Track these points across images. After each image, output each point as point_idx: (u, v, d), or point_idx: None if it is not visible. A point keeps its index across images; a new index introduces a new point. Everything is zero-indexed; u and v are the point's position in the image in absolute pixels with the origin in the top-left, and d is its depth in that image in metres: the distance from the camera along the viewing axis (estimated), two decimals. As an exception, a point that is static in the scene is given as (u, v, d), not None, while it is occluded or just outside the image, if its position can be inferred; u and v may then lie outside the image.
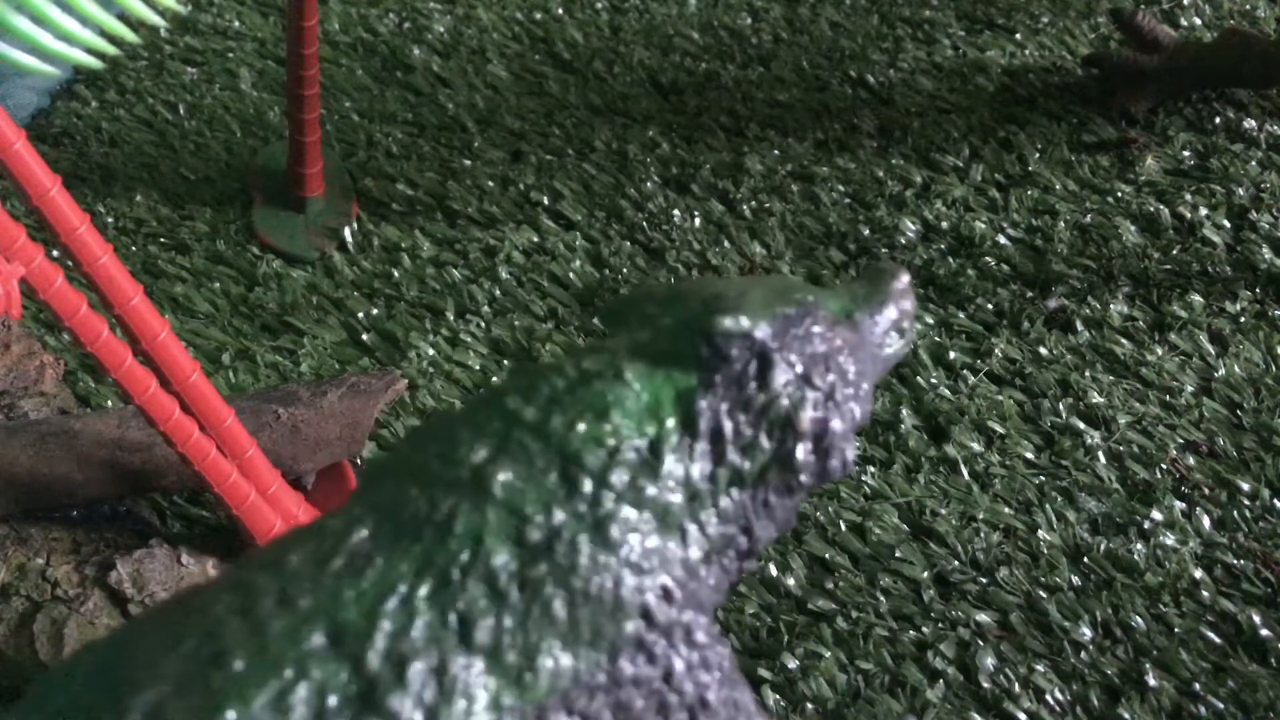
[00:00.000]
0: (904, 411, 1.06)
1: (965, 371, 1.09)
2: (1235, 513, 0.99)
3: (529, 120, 1.33)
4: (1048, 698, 0.89)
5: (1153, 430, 1.05)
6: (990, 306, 1.14)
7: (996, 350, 1.10)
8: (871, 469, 1.02)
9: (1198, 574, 0.95)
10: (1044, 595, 0.94)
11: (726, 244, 1.20)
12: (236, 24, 1.45)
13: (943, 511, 0.99)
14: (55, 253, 0.76)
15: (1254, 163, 1.26)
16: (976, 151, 1.28)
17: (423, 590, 0.43)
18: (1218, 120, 1.30)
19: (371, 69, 1.39)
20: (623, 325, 0.52)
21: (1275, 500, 1.00)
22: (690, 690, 0.47)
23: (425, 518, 0.45)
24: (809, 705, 0.88)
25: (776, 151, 1.29)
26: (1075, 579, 0.95)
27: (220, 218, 1.24)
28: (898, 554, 0.96)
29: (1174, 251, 1.18)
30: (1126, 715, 0.88)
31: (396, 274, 1.18)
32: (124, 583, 0.85)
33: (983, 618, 0.93)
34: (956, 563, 0.96)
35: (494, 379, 1.08)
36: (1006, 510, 0.99)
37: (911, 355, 1.10)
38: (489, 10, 1.46)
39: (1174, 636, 0.92)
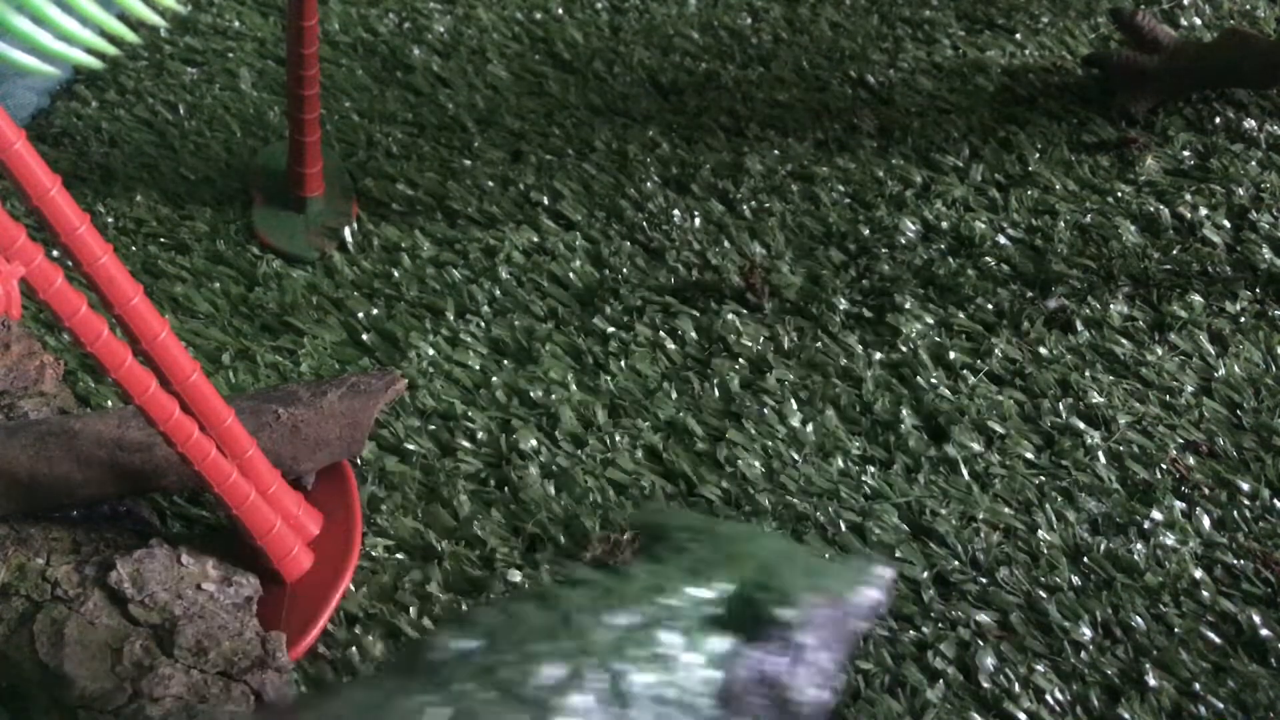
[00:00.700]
0: (904, 411, 1.06)
1: (965, 371, 1.09)
2: (1235, 513, 0.99)
3: (529, 120, 1.33)
4: (1048, 698, 0.89)
5: (1153, 430, 1.05)
6: (990, 306, 1.14)
7: (996, 350, 1.10)
8: (871, 469, 1.02)
9: (1198, 574, 0.95)
10: (1044, 595, 0.94)
11: (726, 244, 1.20)
12: (236, 24, 1.45)
13: (943, 511, 0.99)
14: (55, 253, 0.76)
15: (1254, 163, 1.26)
16: (976, 151, 1.28)
17: None
18: (1218, 120, 1.30)
19: (371, 69, 1.39)
20: (662, 546, 0.57)
21: (1275, 500, 1.00)
22: None
23: None
24: (809, 705, 0.88)
25: (776, 151, 1.29)
26: (1075, 579, 0.95)
27: (220, 218, 1.24)
28: (898, 554, 0.96)
29: (1174, 251, 1.18)
30: (1126, 715, 0.88)
31: (396, 274, 1.18)
32: (124, 583, 0.85)
33: (983, 618, 0.93)
34: (956, 563, 0.96)
35: (494, 379, 1.09)
36: (1006, 510, 0.99)
37: (912, 355, 1.10)
38: (489, 10, 1.46)
39: (1174, 636, 0.92)
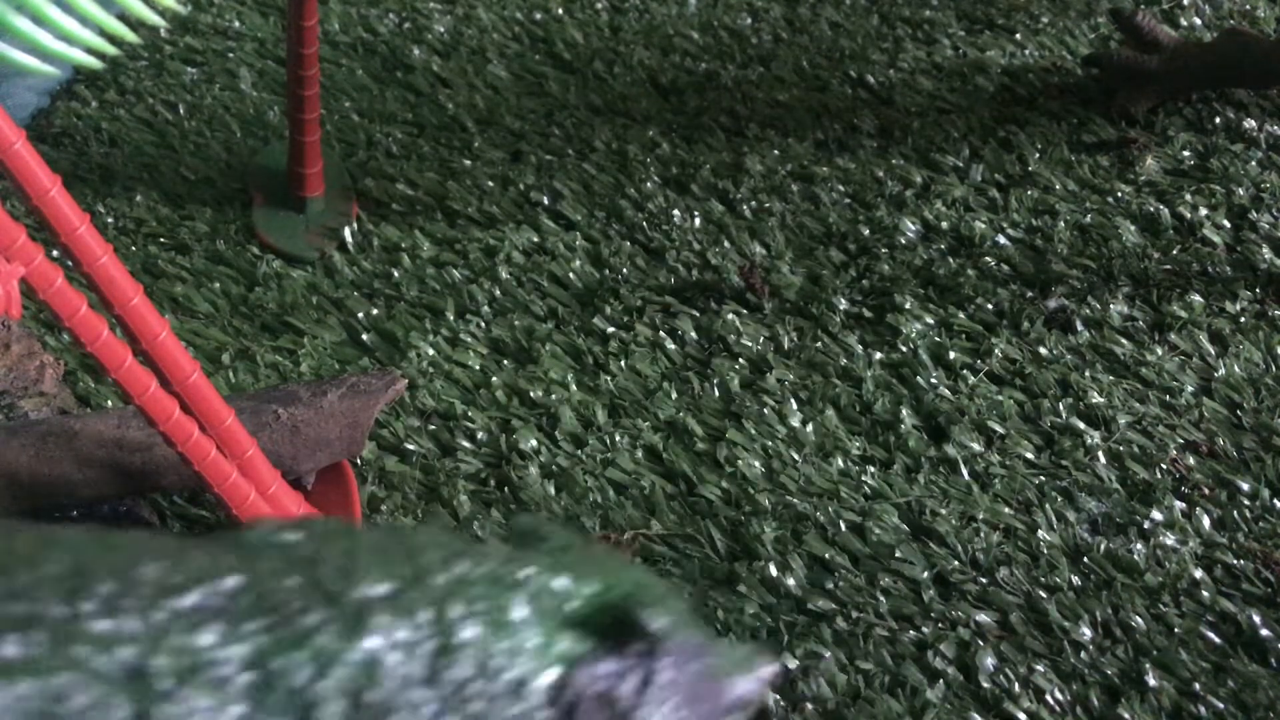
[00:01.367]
0: (904, 411, 1.06)
1: (965, 371, 1.09)
2: (1235, 513, 0.99)
3: (529, 120, 1.33)
4: (1048, 698, 0.89)
5: (1153, 430, 1.05)
6: (990, 306, 1.14)
7: (996, 350, 1.10)
8: (871, 469, 1.02)
9: (1198, 574, 0.95)
10: (1044, 595, 0.94)
11: (726, 244, 1.20)
12: (236, 24, 1.45)
13: (943, 511, 0.99)
14: (55, 253, 0.76)
15: (1254, 163, 1.26)
16: (976, 151, 1.28)
17: (241, 679, 0.40)
18: (1218, 120, 1.30)
19: (371, 69, 1.39)
20: (534, 547, 0.51)
21: (1275, 500, 1.00)
22: None
23: (288, 614, 0.42)
24: (809, 705, 0.88)
25: (776, 151, 1.29)
26: (1075, 579, 0.95)
27: (220, 218, 1.24)
28: (898, 554, 0.96)
29: (1174, 251, 1.18)
30: (1126, 715, 0.88)
31: (396, 274, 1.18)
32: (124, 583, 0.85)
33: (983, 618, 0.93)
34: (956, 563, 0.96)
35: (494, 379, 1.09)
36: (1006, 510, 0.99)
37: (911, 355, 1.10)
38: (489, 10, 1.46)
39: (1174, 636, 0.92)
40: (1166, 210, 1.22)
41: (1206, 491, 1.01)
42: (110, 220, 1.23)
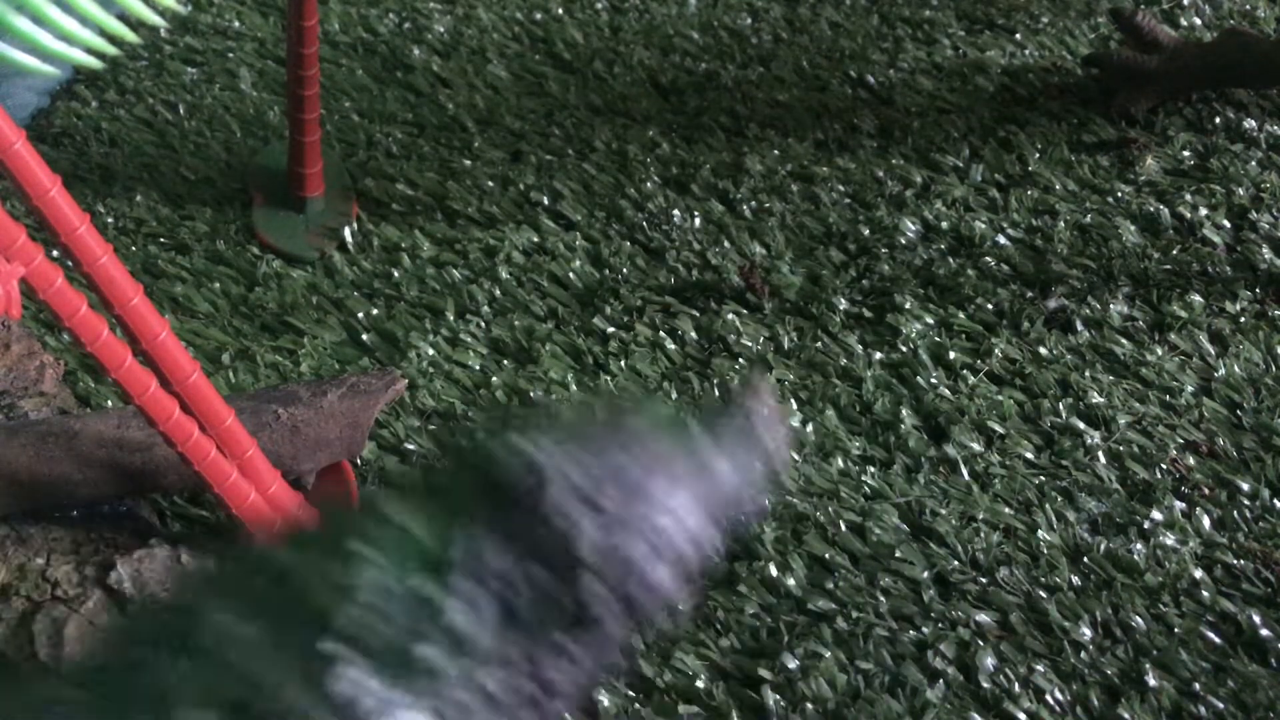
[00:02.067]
0: (904, 411, 1.06)
1: (965, 371, 1.09)
2: (1235, 513, 0.99)
3: (529, 120, 1.33)
4: (1048, 698, 0.89)
5: (1153, 430, 1.05)
6: (990, 306, 1.14)
7: (996, 350, 1.10)
8: (871, 469, 1.02)
9: (1198, 574, 0.95)
10: (1044, 595, 0.94)
11: (726, 244, 1.20)
12: (236, 24, 1.45)
13: (943, 511, 0.99)
14: (55, 253, 0.76)
15: (1254, 163, 1.26)
16: (976, 151, 1.28)
17: None
18: (1218, 120, 1.30)
19: (371, 69, 1.39)
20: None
21: (1275, 500, 1.00)
22: None
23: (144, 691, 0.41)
24: (809, 705, 0.88)
25: (776, 151, 1.29)
26: (1075, 579, 0.95)
27: (220, 218, 1.24)
28: (898, 554, 0.96)
29: (1174, 251, 1.18)
30: (1126, 715, 0.88)
31: (396, 274, 1.18)
32: (124, 583, 0.85)
33: (983, 618, 0.93)
34: (956, 563, 0.96)
35: (494, 379, 1.09)
36: (1006, 510, 0.99)
37: (911, 355, 1.10)
38: (489, 10, 1.46)
39: (1174, 636, 0.92)
40: (1166, 210, 1.22)
41: (1206, 491, 1.01)
42: (110, 220, 1.23)
